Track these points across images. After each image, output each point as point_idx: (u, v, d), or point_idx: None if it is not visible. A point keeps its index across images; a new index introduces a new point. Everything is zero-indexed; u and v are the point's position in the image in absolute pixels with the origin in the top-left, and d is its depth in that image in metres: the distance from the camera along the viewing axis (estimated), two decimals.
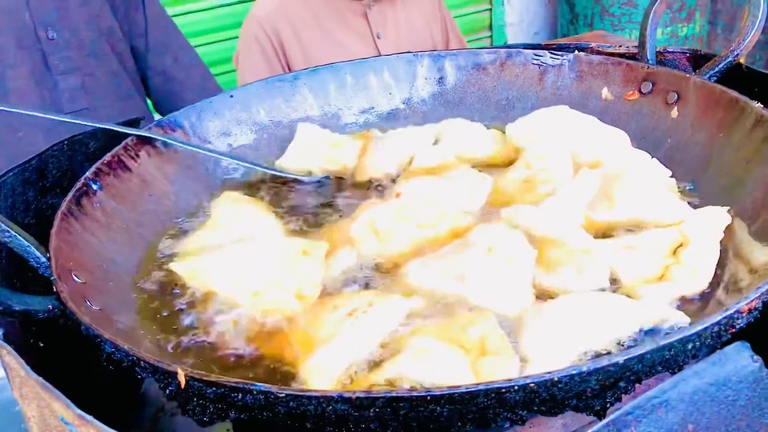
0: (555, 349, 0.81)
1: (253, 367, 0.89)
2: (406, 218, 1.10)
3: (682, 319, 0.85)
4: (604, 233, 1.07)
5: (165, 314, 1.00)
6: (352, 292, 0.98)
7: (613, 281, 0.96)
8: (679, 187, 1.15)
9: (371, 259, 1.06)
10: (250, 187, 1.33)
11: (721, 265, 0.96)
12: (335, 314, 0.91)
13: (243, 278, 1.00)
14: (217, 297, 1.00)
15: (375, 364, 0.84)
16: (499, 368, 0.78)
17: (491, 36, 4.50)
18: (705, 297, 0.93)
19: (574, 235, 1.01)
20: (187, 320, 0.98)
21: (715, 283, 0.94)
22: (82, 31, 1.81)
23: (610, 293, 0.93)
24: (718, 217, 1.01)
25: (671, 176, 1.16)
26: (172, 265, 1.07)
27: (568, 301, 0.89)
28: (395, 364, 0.80)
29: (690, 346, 0.70)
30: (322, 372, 0.82)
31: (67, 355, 0.98)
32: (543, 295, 0.94)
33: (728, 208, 1.02)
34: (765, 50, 3.90)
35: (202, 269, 1.04)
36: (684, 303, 0.92)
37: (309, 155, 1.36)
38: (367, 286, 1.01)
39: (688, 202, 1.10)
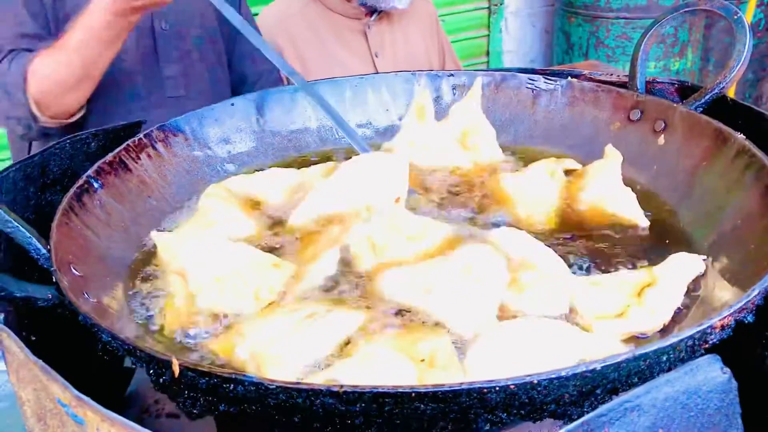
0: (494, 368, 0.83)
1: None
2: (398, 229, 1.13)
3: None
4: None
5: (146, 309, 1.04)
6: (312, 302, 1.00)
7: (573, 313, 0.96)
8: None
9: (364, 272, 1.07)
10: None
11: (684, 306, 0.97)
12: (294, 315, 0.94)
13: (211, 263, 1.04)
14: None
15: (325, 365, 0.87)
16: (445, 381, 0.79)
17: (488, 62, 4.57)
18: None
19: (548, 260, 1.04)
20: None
21: (672, 325, 0.95)
22: (189, 27, 1.98)
23: (563, 322, 0.94)
24: (692, 264, 1.02)
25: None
26: (153, 233, 1.13)
27: (520, 324, 0.90)
28: (344, 365, 0.84)
29: (665, 358, 0.73)
30: (280, 363, 0.84)
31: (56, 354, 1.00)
32: (509, 318, 0.95)
33: (705, 257, 1.03)
34: (754, 88, 3.99)
35: (178, 244, 1.08)
36: (637, 342, 0.92)
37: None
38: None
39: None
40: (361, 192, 1.21)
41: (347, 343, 0.91)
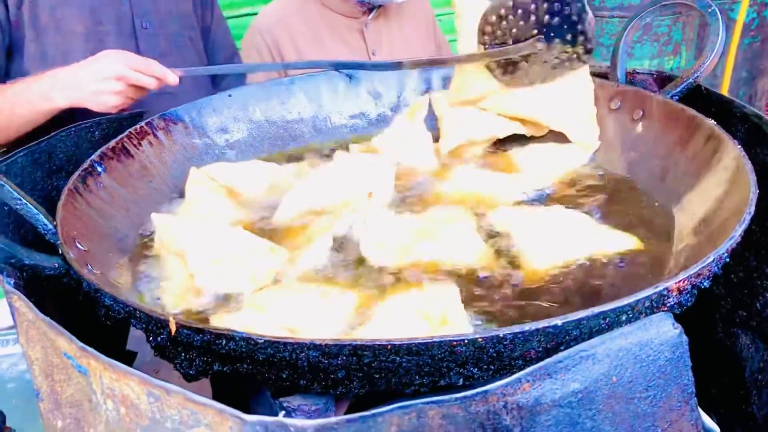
0: None
1: None
2: (399, 226, 1.19)
3: None
4: None
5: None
6: (318, 283, 1.06)
7: None
8: None
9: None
10: None
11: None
12: (307, 294, 1.00)
13: (210, 245, 1.09)
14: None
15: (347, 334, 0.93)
16: None
17: None
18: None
19: None
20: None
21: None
22: (169, 23, 2.01)
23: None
24: None
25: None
26: (153, 215, 1.20)
27: None
28: (366, 329, 0.89)
29: (624, 318, 0.78)
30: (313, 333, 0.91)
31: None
32: None
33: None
34: (748, 86, 4.05)
35: (177, 227, 1.15)
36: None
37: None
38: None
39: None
40: (346, 188, 1.28)
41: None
